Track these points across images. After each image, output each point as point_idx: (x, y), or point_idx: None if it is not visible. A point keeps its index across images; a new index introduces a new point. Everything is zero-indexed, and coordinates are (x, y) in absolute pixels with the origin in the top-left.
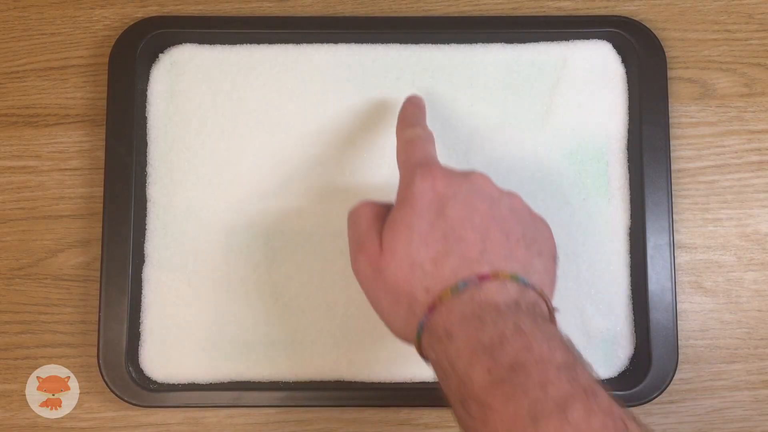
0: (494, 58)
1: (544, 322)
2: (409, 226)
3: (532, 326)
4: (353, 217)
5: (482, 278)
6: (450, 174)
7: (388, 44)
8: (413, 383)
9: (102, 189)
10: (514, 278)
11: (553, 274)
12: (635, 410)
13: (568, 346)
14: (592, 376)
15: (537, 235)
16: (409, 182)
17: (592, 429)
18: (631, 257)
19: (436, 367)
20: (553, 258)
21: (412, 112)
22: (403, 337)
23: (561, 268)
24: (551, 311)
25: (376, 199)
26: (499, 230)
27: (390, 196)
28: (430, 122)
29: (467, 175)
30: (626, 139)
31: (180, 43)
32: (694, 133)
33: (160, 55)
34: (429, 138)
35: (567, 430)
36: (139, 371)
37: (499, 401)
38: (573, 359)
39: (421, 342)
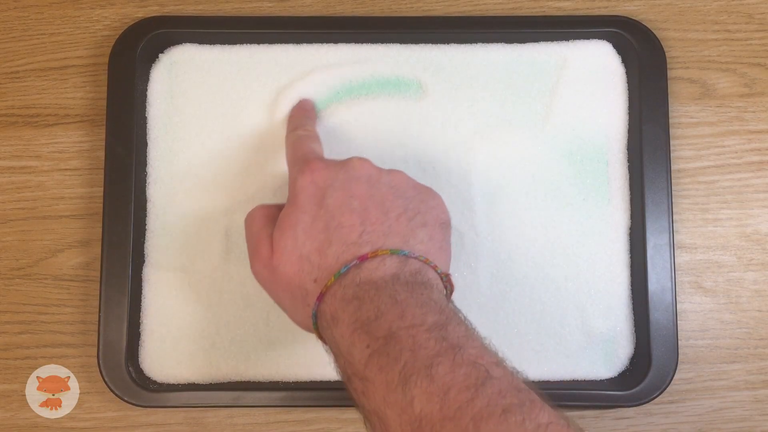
0: (494, 58)
1: (423, 288)
2: (294, 223)
3: (407, 295)
4: (248, 221)
5: (362, 259)
6: (328, 165)
7: (388, 44)
8: None
9: (102, 189)
10: (393, 252)
11: (442, 240)
12: (635, 410)
13: (441, 308)
14: (463, 331)
15: (421, 207)
16: (292, 180)
17: (456, 381)
18: (631, 257)
19: (331, 352)
20: (441, 225)
21: (297, 116)
22: (307, 329)
23: (561, 268)
24: (443, 276)
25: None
26: (377, 209)
27: None
28: (431, 122)
29: (345, 163)
30: (626, 139)
31: (180, 43)
32: (694, 133)
33: (160, 55)
34: (312, 137)
35: (432, 387)
36: (139, 371)
37: (375, 372)
38: (445, 319)
39: (318, 330)
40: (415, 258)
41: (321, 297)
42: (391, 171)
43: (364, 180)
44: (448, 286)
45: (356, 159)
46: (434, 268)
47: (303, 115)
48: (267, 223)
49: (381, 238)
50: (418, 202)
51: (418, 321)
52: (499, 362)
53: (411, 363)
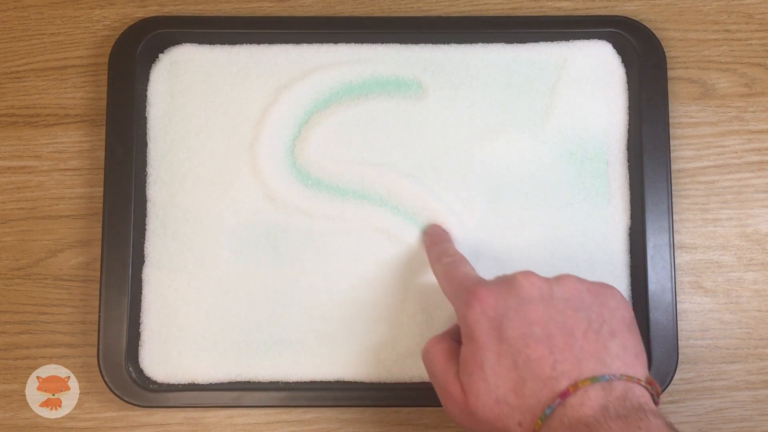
0: (494, 58)
1: (638, 419)
2: (479, 364)
3: None
4: (427, 360)
5: (563, 396)
6: (493, 291)
7: (388, 44)
8: (413, 383)
9: (102, 189)
10: (594, 380)
11: (635, 345)
12: None
13: None
14: None
15: (603, 314)
16: (461, 315)
17: None
18: (631, 257)
19: None
20: (628, 326)
21: (435, 244)
22: None
23: (561, 268)
24: (648, 386)
25: (442, 332)
26: (562, 332)
27: (390, 193)
28: (431, 122)
29: (511, 284)
30: (626, 139)
31: (180, 43)
32: (694, 133)
33: (160, 55)
34: (460, 260)
35: None
36: (139, 371)
37: None
38: None
39: None
40: (618, 380)
41: None
42: (559, 279)
43: (537, 300)
44: (655, 391)
45: (520, 276)
46: (638, 382)
47: (441, 240)
48: (448, 359)
49: (575, 366)
50: (599, 308)
51: None
52: None
53: None
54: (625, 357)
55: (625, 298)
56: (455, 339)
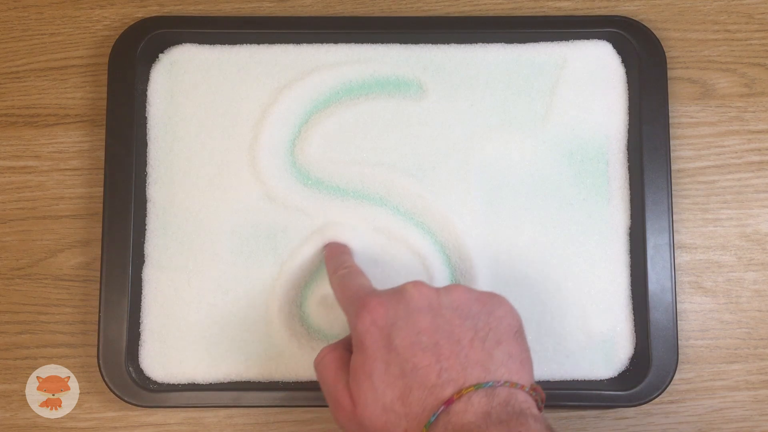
0: (494, 58)
1: (519, 423)
2: (368, 373)
3: None
4: (318, 370)
5: (448, 403)
6: (384, 301)
7: (388, 44)
8: None
9: (102, 189)
10: (478, 387)
11: (520, 353)
12: (635, 410)
13: None
14: None
15: (490, 322)
16: (353, 325)
17: None
18: (631, 257)
19: None
20: (515, 335)
21: (333, 256)
22: None
23: (561, 268)
24: (531, 392)
25: (335, 341)
26: (448, 340)
27: (390, 193)
28: (431, 122)
29: (401, 294)
30: (626, 139)
31: (180, 43)
32: (694, 133)
33: (160, 55)
34: (355, 272)
35: None
36: (139, 371)
37: None
38: None
39: None
40: (501, 386)
41: None
42: (448, 289)
43: (425, 310)
44: (540, 398)
45: (410, 286)
46: (522, 388)
47: (338, 253)
48: (339, 368)
49: (461, 373)
50: (486, 316)
51: None
52: None
53: None
54: (509, 364)
55: (513, 307)
56: (348, 349)
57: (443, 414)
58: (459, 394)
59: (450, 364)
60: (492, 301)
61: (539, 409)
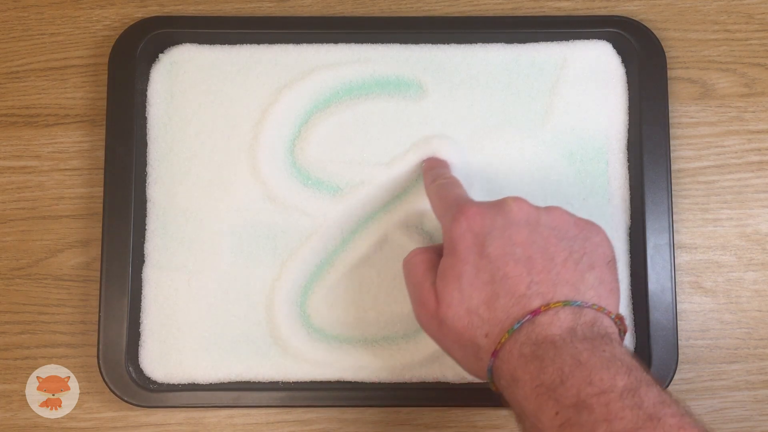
0: (494, 58)
1: (604, 343)
2: (457, 275)
3: (590, 354)
4: (407, 268)
5: (534, 313)
6: (482, 210)
7: (388, 44)
8: (413, 383)
9: (102, 189)
10: (566, 304)
11: (611, 281)
12: None
13: (628, 367)
14: (657, 395)
15: (586, 246)
16: (447, 229)
17: None
18: (631, 257)
19: (512, 408)
20: (608, 263)
21: (432, 167)
22: (480, 378)
23: None
24: (616, 320)
25: (427, 245)
26: (542, 256)
27: (388, 194)
28: (431, 122)
29: (500, 206)
30: (626, 139)
31: (180, 43)
32: (694, 133)
33: (160, 55)
34: (455, 183)
35: None
36: (139, 371)
37: None
38: (635, 381)
39: (494, 384)
40: (589, 307)
41: (495, 353)
42: (549, 209)
43: (523, 224)
44: (622, 328)
45: (511, 200)
46: (608, 314)
47: (437, 165)
48: (428, 269)
49: (550, 288)
50: (582, 241)
51: (607, 386)
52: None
53: None
54: (599, 289)
55: (608, 238)
56: (438, 253)
57: (528, 323)
58: (546, 307)
59: (541, 278)
60: (590, 227)
61: (621, 339)
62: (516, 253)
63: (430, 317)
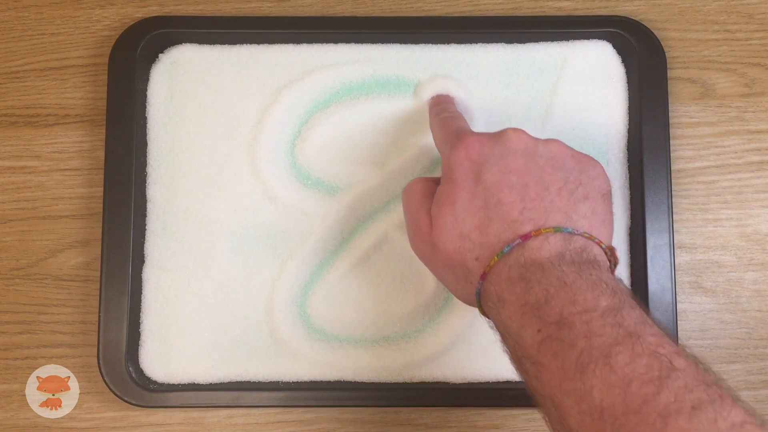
0: (494, 58)
1: (591, 267)
2: (452, 200)
3: (576, 276)
4: (406, 195)
5: (525, 238)
6: (481, 139)
7: (388, 44)
8: (413, 383)
9: (102, 189)
10: (557, 230)
11: (604, 213)
12: None
13: (613, 289)
14: (639, 316)
15: (582, 178)
16: (446, 158)
17: (637, 372)
18: (631, 257)
19: (497, 329)
20: (602, 196)
21: (437, 102)
22: (469, 304)
23: None
24: (607, 251)
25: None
26: (537, 184)
27: (388, 194)
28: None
29: (499, 136)
30: (626, 139)
31: (180, 43)
32: (694, 133)
33: (160, 55)
34: (457, 116)
35: (612, 378)
36: (139, 371)
37: (549, 358)
38: (618, 302)
39: (482, 307)
40: (579, 235)
41: (484, 276)
42: (548, 141)
43: (520, 153)
44: (613, 259)
45: (511, 130)
46: (599, 243)
47: (443, 101)
48: (425, 197)
49: (542, 215)
50: (578, 173)
51: (590, 305)
52: (680, 352)
53: (587, 351)
54: (592, 219)
55: (606, 174)
56: (437, 183)
57: (518, 247)
58: (537, 232)
59: (534, 205)
60: (588, 161)
61: (611, 271)
62: (511, 180)
63: (424, 242)
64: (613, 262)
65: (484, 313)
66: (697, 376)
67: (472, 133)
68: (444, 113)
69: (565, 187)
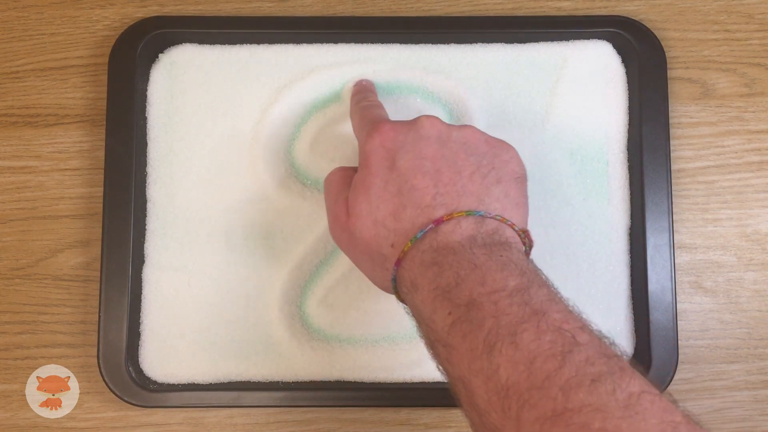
0: (494, 58)
1: (501, 249)
2: (366, 188)
3: (486, 258)
4: (326, 184)
5: (437, 222)
6: (396, 127)
7: (388, 44)
8: (413, 383)
9: (102, 189)
10: (469, 213)
11: (518, 196)
12: None
13: (522, 269)
14: (546, 294)
15: (495, 162)
16: (362, 145)
17: (541, 349)
18: (631, 257)
19: (412, 315)
20: (516, 179)
21: (359, 91)
22: (386, 291)
23: (561, 268)
24: (520, 233)
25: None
26: (450, 169)
27: None
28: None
29: (413, 123)
30: (626, 139)
31: (180, 43)
32: (694, 133)
33: (160, 55)
34: (377, 105)
35: (517, 355)
36: (139, 371)
37: (459, 339)
38: (526, 282)
39: (398, 294)
40: (491, 217)
41: (399, 262)
42: (461, 127)
43: (434, 139)
44: (527, 242)
45: (424, 117)
46: (511, 225)
47: (364, 89)
48: (344, 185)
49: (455, 200)
50: (491, 157)
51: (499, 286)
52: (585, 327)
53: (494, 330)
54: (504, 202)
55: (520, 157)
56: (356, 170)
57: (431, 231)
58: (450, 216)
59: (447, 190)
60: (501, 145)
61: (526, 254)
62: (425, 166)
63: (342, 229)
64: (528, 245)
65: (400, 299)
66: (600, 350)
67: (387, 120)
68: (363, 102)
69: (477, 171)
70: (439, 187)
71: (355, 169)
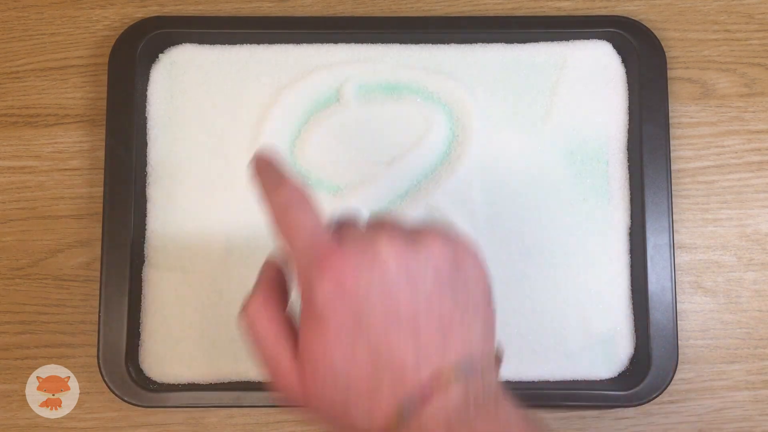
0: (494, 58)
1: (497, 406)
2: (328, 354)
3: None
4: (251, 331)
5: (423, 398)
6: (353, 260)
7: (388, 44)
8: None
9: (102, 189)
10: (457, 374)
11: (492, 315)
12: (635, 410)
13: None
14: None
15: (469, 288)
16: (307, 282)
17: None
18: (631, 257)
19: None
20: (488, 299)
21: (267, 175)
22: None
23: (561, 268)
24: (497, 354)
25: (262, 289)
26: (429, 318)
27: (388, 194)
28: (430, 123)
29: (373, 255)
30: (626, 139)
31: (180, 43)
32: (694, 133)
33: (160, 55)
34: (301, 201)
35: None
36: (139, 371)
37: None
38: None
39: None
40: (478, 362)
41: None
42: (426, 245)
43: (403, 278)
44: (500, 359)
45: (383, 243)
46: (497, 359)
47: (267, 168)
48: (281, 338)
49: (440, 351)
50: (463, 284)
51: None
52: None
53: None
54: (486, 333)
55: (482, 258)
56: (280, 302)
57: (416, 415)
58: (437, 378)
59: (429, 341)
60: (465, 257)
61: (497, 366)
62: (399, 318)
63: (296, 398)
64: (499, 361)
65: None
66: None
67: (335, 248)
68: (283, 191)
69: (456, 309)
70: (420, 340)
71: (276, 303)
